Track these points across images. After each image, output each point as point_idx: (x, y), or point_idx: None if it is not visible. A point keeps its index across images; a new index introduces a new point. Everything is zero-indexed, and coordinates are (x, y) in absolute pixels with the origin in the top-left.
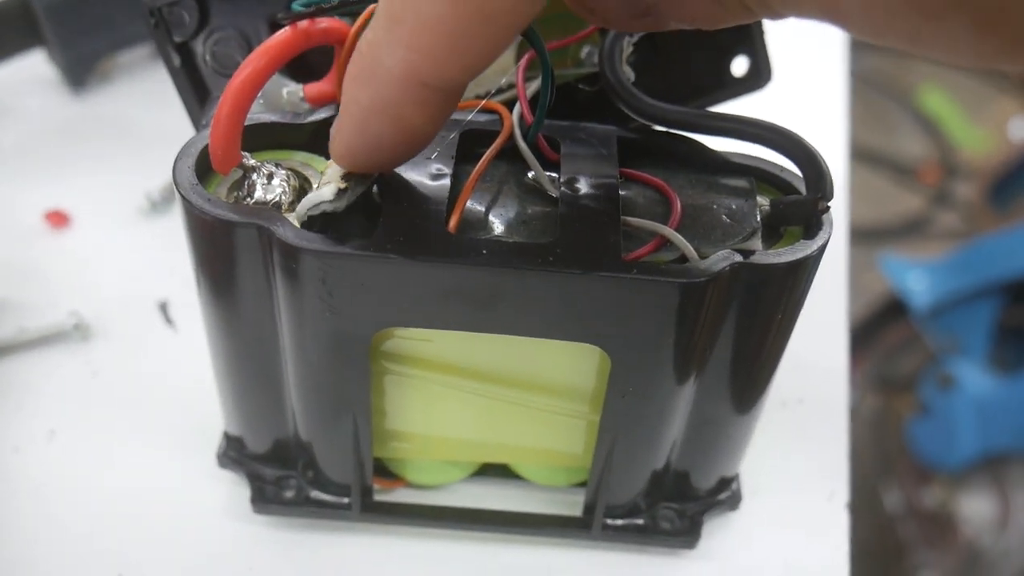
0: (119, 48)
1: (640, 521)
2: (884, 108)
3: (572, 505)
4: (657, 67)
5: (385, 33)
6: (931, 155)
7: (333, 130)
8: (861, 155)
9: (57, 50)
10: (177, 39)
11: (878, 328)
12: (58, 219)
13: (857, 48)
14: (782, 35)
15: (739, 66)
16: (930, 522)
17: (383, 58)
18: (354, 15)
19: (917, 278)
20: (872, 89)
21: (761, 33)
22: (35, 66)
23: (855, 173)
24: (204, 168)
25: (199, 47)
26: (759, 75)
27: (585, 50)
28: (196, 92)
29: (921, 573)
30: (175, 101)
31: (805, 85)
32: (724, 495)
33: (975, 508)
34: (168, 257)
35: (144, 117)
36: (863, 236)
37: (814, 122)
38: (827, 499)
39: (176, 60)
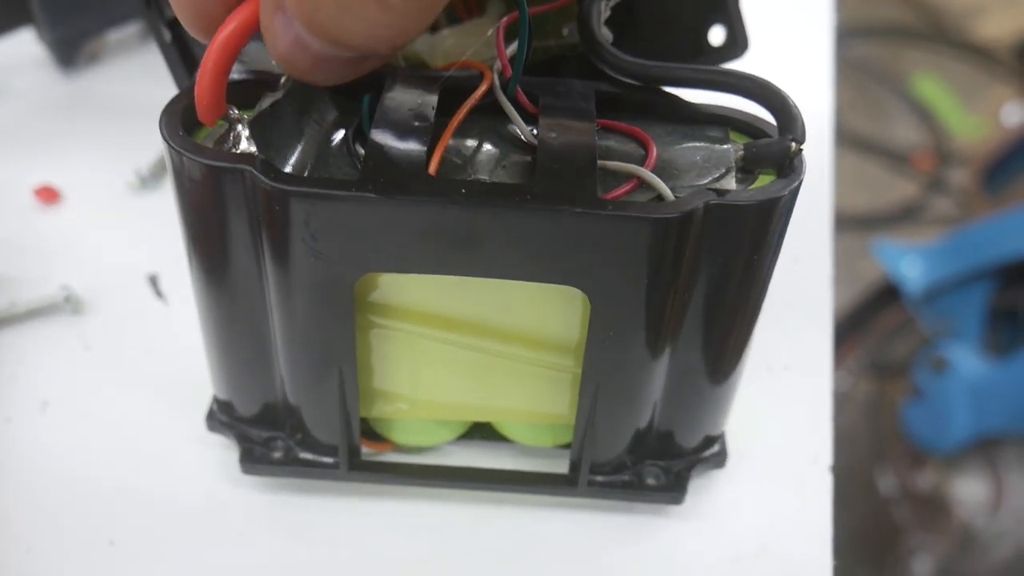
0: (108, 27)
1: (626, 477)
2: (878, 95)
3: (558, 465)
4: (635, 37)
5: None
6: (925, 142)
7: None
8: (855, 142)
9: (46, 29)
10: (169, 15)
11: (872, 314)
12: (49, 195)
13: (851, 36)
14: (766, 11)
15: (716, 36)
16: (924, 505)
17: None
18: None
19: (910, 263)
20: (866, 76)
21: (735, 3)
22: (25, 45)
23: (849, 161)
24: (191, 123)
25: None
26: (735, 44)
27: (567, 28)
28: (186, 68)
29: (915, 556)
30: (165, 80)
31: (790, 70)
32: (710, 452)
33: (969, 491)
34: (158, 232)
35: (134, 96)
36: (857, 223)
37: (799, 83)
38: (812, 461)
39: (167, 36)
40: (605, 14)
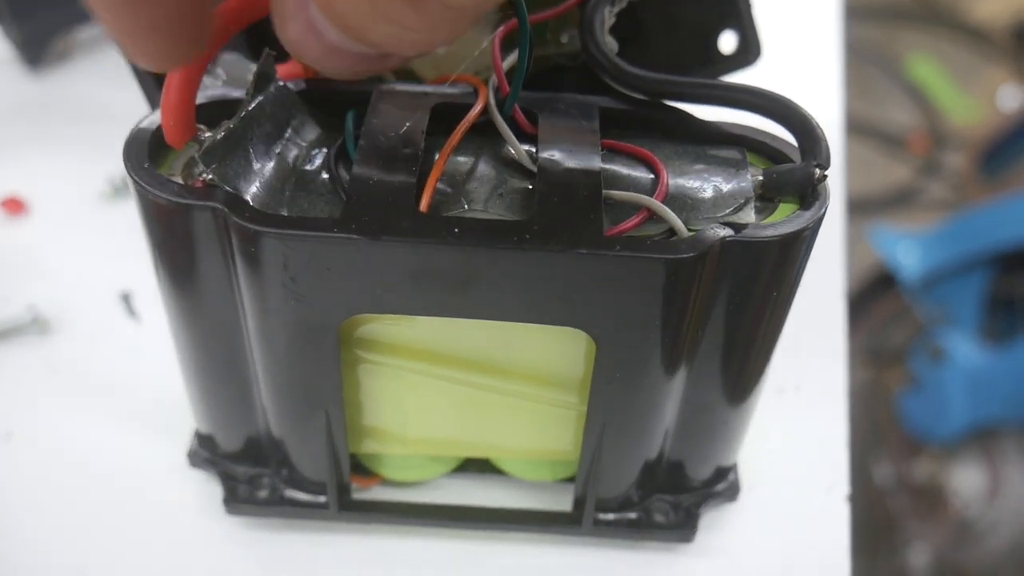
0: (77, 23)
1: (633, 515)
2: (873, 78)
3: (560, 501)
4: (641, 45)
5: None
6: (920, 125)
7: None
8: (850, 126)
9: (12, 25)
10: None
11: (868, 301)
12: (14, 206)
13: (845, 17)
14: (774, 4)
15: (727, 42)
16: (920, 495)
17: None
18: None
19: (906, 250)
20: (861, 59)
21: (748, 7)
22: None
23: (844, 143)
24: (159, 145)
25: None
26: (748, 51)
27: (566, 34)
28: (154, 76)
29: (911, 546)
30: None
31: (798, 56)
32: (721, 486)
33: (965, 480)
34: (131, 245)
35: (105, 97)
36: (852, 207)
37: (807, 93)
38: (826, 491)
39: None
40: (610, 21)
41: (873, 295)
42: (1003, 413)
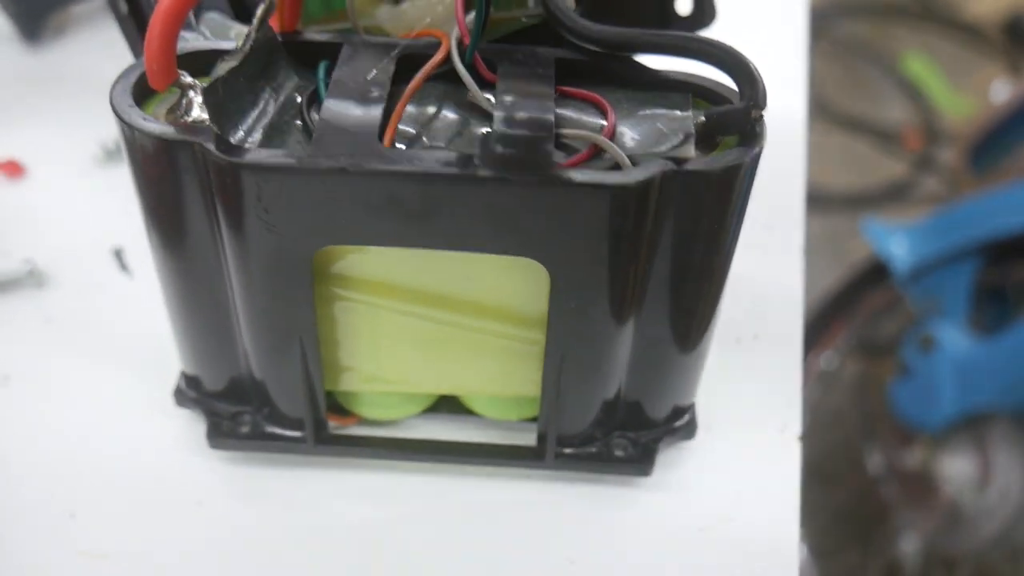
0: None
1: (593, 449)
2: (867, 74)
3: (526, 438)
4: (598, 7)
5: None
6: (914, 121)
7: None
8: (844, 122)
9: (9, 1)
10: None
11: (860, 293)
12: (12, 169)
13: (839, 14)
14: None
15: (683, 4)
16: (911, 483)
17: None
18: None
19: (898, 242)
20: (854, 55)
21: None
22: None
23: (837, 139)
24: (144, 93)
25: None
26: (703, 13)
27: None
28: (142, 34)
29: (903, 534)
30: (129, 53)
31: (763, 40)
32: (678, 424)
33: (956, 468)
34: (123, 205)
35: (98, 68)
36: (847, 203)
37: (771, 53)
38: (780, 431)
39: (124, 8)
40: None
41: (865, 287)
42: (993, 401)
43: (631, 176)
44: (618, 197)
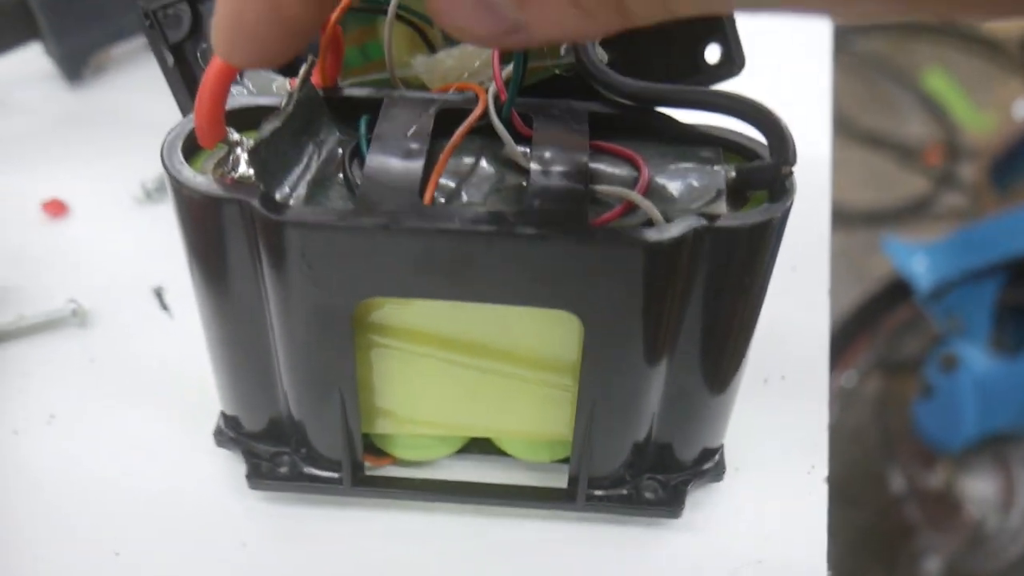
0: (114, 40)
1: (624, 491)
2: (888, 90)
3: (557, 479)
4: (631, 57)
5: None
6: (935, 137)
7: (213, 25)
8: (865, 137)
9: (53, 43)
10: (171, 40)
11: (881, 311)
12: (56, 208)
13: (860, 30)
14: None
15: (712, 53)
16: (934, 503)
17: None
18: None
19: (919, 260)
20: (876, 71)
21: (732, 21)
22: (32, 59)
23: (858, 156)
24: (192, 148)
25: (191, 47)
26: (732, 63)
27: (564, 47)
28: (189, 90)
29: (925, 555)
30: (169, 91)
31: (790, 65)
32: (707, 465)
33: (979, 489)
34: (163, 244)
35: (139, 107)
36: (867, 219)
37: (798, 103)
38: (807, 472)
39: (170, 60)
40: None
41: (886, 305)
42: (1016, 421)
43: (665, 234)
44: (652, 254)
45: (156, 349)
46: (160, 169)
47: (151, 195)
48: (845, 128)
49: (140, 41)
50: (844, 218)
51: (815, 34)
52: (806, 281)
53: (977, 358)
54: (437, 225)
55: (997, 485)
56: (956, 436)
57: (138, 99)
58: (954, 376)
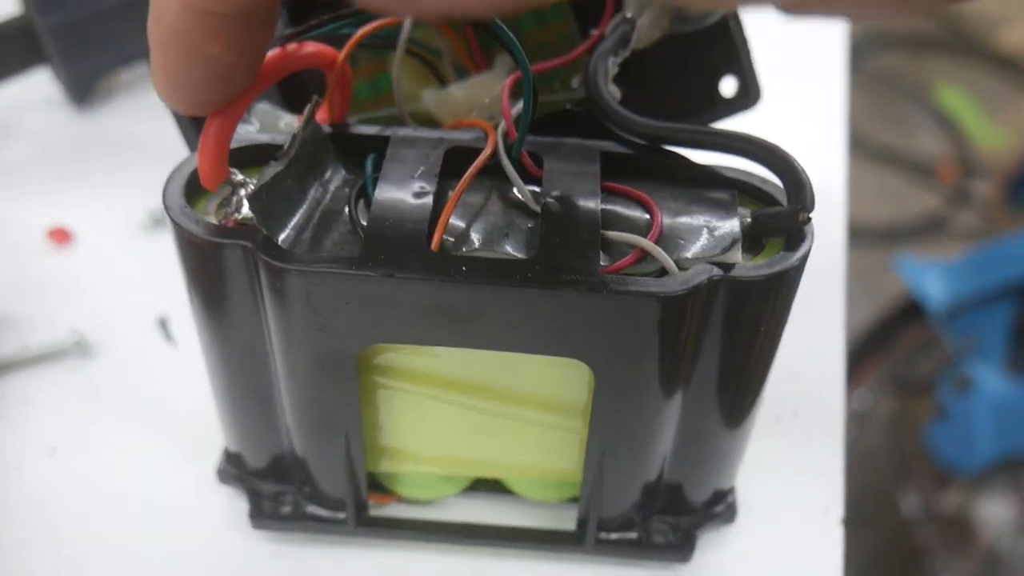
0: (121, 65)
1: (634, 535)
2: (900, 106)
3: (565, 519)
4: (645, 91)
5: None
6: (949, 153)
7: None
8: (877, 154)
9: (60, 68)
10: None
11: (894, 330)
12: (61, 236)
13: (873, 46)
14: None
15: (728, 86)
16: (948, 526)
17: None
18: (343, 41)
19: (933, 279)
20: (888, 87)
21: (747, 53)
22: (39, 84)
23: (871, 172)
24: (195, 186)
25: None
26: (747, 95)
27: (576, 79)
28: (193, 125)
29: None
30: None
31: (804, 82)
32: (719, 508)
33: (994, 512)
34: (168, 273)
35: (146, 133)
36: (880, 236)
37: (813, 121)
38: (822, 513)
39: None
40: (613, 71)
41: (900, 324)
42: None
43: (678, 285)
44: (665, 305)
45: (160, 380)
46: None
47: (157, 222)
48: (857, 144)
49: (147, 66)
50: (855, 235)
51: (830, 53)
52: (820, 313)
53: (992, 380)
54: (444, 277)
55: (1012, 508)
56: (971, 458)
57: (145, 124)
58: (969, 398)
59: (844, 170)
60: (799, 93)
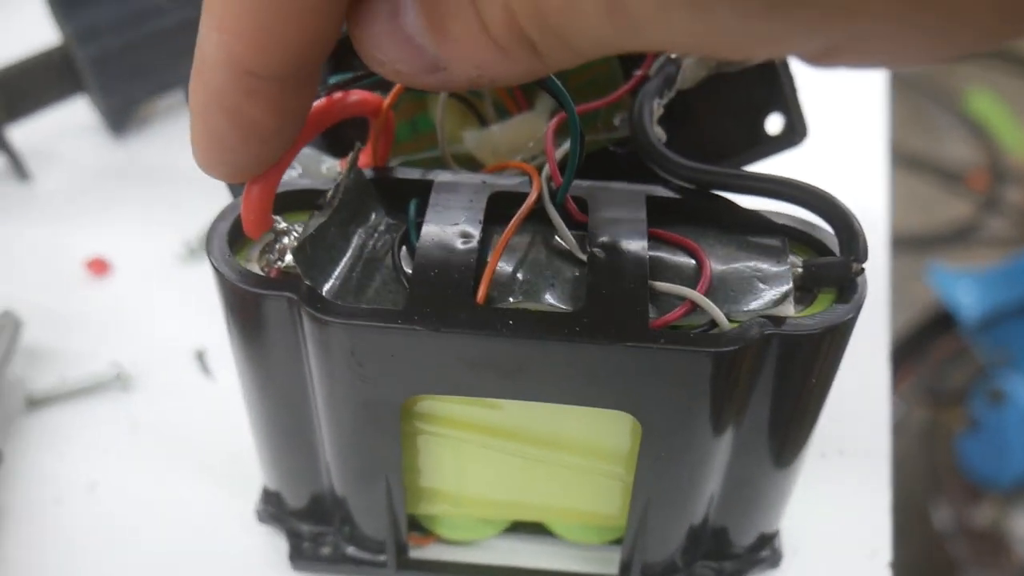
0: (158, 93)
1: None
2: (930, 112)
3: (605, 562)
4: (691, 129)
5: (205, 20)
6: (979, 160)
7: (190, 141)
8: (907, 161)
9: (98, 97)
10: None
11: (926, 340)
12: (99, 267)
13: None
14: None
15: (773, 124)
16: (981, 541)
17: (205, 49)
18: (388, 88)
19: (965, 289)
20: (918, 93)
21: (793, 91)
22: (77, 113)
23: (901, 180)
24: (238, 230)
25: None
26: (793, 132)
27: (618, 117)
28: None
29: None
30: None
31: (843, 92)
32: (764, 553)
33: None
34: (204, 305)
35: (182, 161)
36: (910, 244)
37: (854, 128)
38: (869, 557)
39: None
40: (658, 112)
41: (931, 335)
42: None
43: (731, 342)
44: (716, 361)
45: (198, 415)
46: (202, 225)
47: (194, 253)
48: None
49: (184, 94)
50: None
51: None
52: (864, 347)
53: None
54: (491, 331)
55: None
56: (1004, 472)
57: (181, 153)
58: (1002, 411)
59: (886, 192)
60: (840, 103)
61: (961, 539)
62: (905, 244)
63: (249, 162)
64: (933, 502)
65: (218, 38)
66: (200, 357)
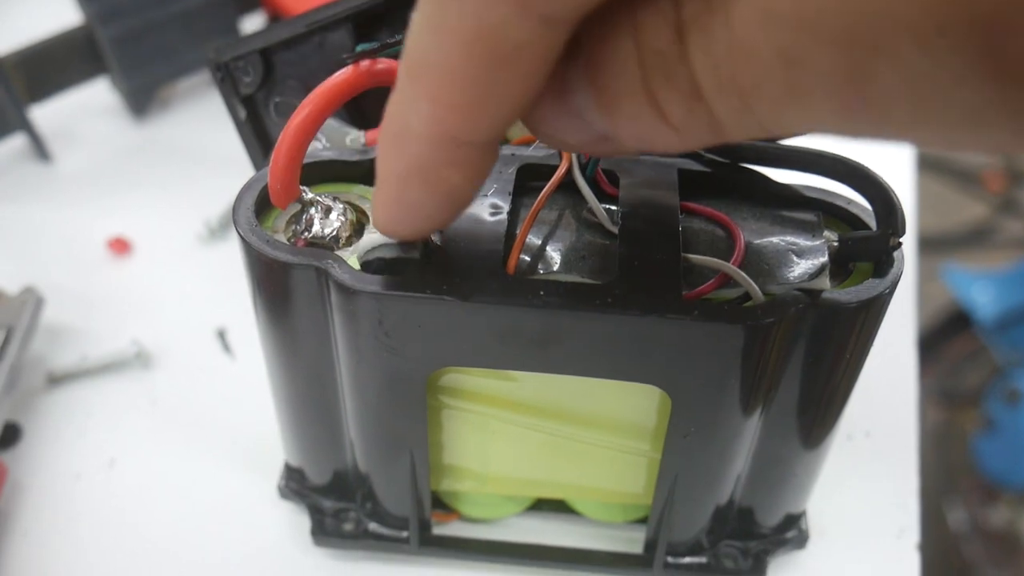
0: (180, 74)
1: (703, 559)
2: None
3: (629, 541)
4: None
5: (408, 90)
6: (996, 162)
7: (373, 200)
8: (923, 162)
9: (120, 78)
10: (243, 92)
11: (942, 340)
12: (120, 246)
13: None
14: None
15: None
16: (997, 541)
17: (409, 118)
18: None
19: (981, 289)
20: None
21: None
22: (99, 94)
23: (918, 180)
24: (264, 201)
25: (263, 98)
26: None
27: None
28: (260, 142)
29: None
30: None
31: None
32: (790, 533)
33: None
34: (225, 284)
35: (203, 142)
36: (926, 245)
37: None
38: (896, 537)
39: (242, 113)
40: None
41: (947, 335)
42: None
43: (764, 313)
44: (750, 334)
45: (219, 392)
46: (223, 206)
47: (215, 233)
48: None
49: (205, 76)
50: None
51: None
52: (892, 330)
53: None
54: (520, 301)
55: None
56: (1020, 472)
57: (203, 134)
58: (1018, 410)
59: (912, 188)
60: None
61: (977, 539)
62: (921, 245)
63: (437, 224)
64: (948, 502)
65: (429, 109)
66: (221, 336)
